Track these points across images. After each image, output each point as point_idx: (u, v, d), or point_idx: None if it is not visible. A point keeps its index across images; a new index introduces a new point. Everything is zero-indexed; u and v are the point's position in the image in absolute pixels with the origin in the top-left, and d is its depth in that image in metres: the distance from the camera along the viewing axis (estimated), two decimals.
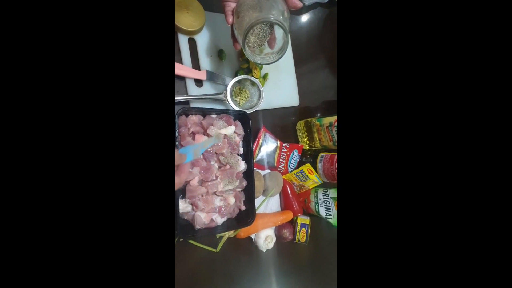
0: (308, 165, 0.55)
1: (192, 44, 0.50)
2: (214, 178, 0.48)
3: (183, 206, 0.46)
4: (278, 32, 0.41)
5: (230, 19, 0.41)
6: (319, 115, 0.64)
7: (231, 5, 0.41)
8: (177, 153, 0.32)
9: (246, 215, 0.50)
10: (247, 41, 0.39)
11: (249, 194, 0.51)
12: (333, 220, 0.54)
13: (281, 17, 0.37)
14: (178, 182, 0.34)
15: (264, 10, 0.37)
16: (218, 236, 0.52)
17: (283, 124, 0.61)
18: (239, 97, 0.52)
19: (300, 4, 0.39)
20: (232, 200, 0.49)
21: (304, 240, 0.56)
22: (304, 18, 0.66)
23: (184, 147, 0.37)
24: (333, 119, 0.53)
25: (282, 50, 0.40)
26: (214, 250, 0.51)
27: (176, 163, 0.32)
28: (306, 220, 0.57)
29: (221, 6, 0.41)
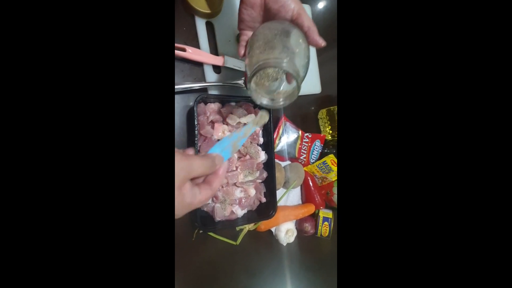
0: (331, 156, 0.52)
1: (210, 28, 0.47)
2: (234, 168, 0.46)
3: None
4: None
5: (242, 51, 0.36)
6: None
7: (248, 34, 0.36)
8: (206, 159, 0.25)
9: (267, 208, 0.48)
10: (255, 78, 0.33)
11: (269, 186, 0.49)
12: None
13: (297, 55, 0.31)
14: (210, 194, 0.26)
15: (277, 50, 0.31)
16: (238, 228, 0.51)
17: (304, 113, 0.58)
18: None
19: (322, 43, 0.33)
20: (252, 191, 0.47)
21: (326, 234, 0.54)
22: (327, 1, 0.62)
23: (218, 142, 0.29)
24: None
25: (292, 96, 0.34)
26: (234, 243, 0.50)
27: (208, 171, 0.25)
28: (328, 213, 0.54)
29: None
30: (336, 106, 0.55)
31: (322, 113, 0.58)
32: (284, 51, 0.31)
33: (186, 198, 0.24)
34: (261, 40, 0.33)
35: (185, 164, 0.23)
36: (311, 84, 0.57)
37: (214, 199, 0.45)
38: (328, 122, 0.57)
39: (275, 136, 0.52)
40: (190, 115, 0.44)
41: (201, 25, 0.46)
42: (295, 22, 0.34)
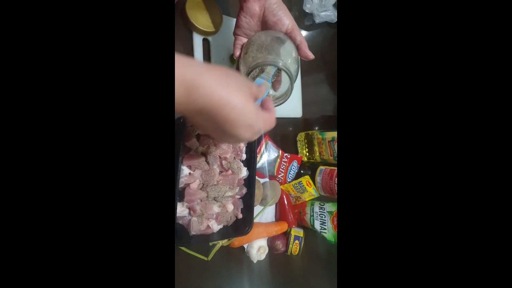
0: (307, 177, 0.56)
1: (206, 45, 0.49)
2: (215, 183, 0.46)
3: (180, 210, 0.44)
4: (285, 77, 0.39)
5: (238, 53, 0.40)
6: (317, 128, 0.66)
7: (242, 40, 0.40)
8: (254, 86, 0.28)
9: (242, 224, 0.49)
10: (249, 76, 0.38)
11: (247, 202, 0.50)
12: (328, 234, 0.54)
13: (289, 63, 0.36)
14: (273, 117, 0.29)
15: (273, 52, 0.35)
16: (211, 244, 0.50)
17: (284, 133, 0.61)
18: None
19: (311, 56, 0.38)
20: (230, 207, 0.48)
21: (296, 253, 0.56)
22: (310, 33, 0.69)
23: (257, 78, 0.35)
24: (336, 134, 0.54)
25: (286, 95, 0.38)
26: (206, 258, 0.49)
27: (260, 94, 0.28)
28: (300, 232, 0.56)
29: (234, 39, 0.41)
30: (314, 131, 0.59)
31: (301, 136, 0.62)
32: (279, 53, 0.35)
33: (259, 112, 0.27)
34: (258, 43, 0.36)
35: (245, 81, 0.26)
36: (293, 108, 0.62)
37: (192, 212, 0.44)
38: (306, 145, 0.61)
39: (257, 153, 0.54)
40: (177, 125, 0.44)
41: (198, 41, 0.47)
42: (288, 36, 0.38)
